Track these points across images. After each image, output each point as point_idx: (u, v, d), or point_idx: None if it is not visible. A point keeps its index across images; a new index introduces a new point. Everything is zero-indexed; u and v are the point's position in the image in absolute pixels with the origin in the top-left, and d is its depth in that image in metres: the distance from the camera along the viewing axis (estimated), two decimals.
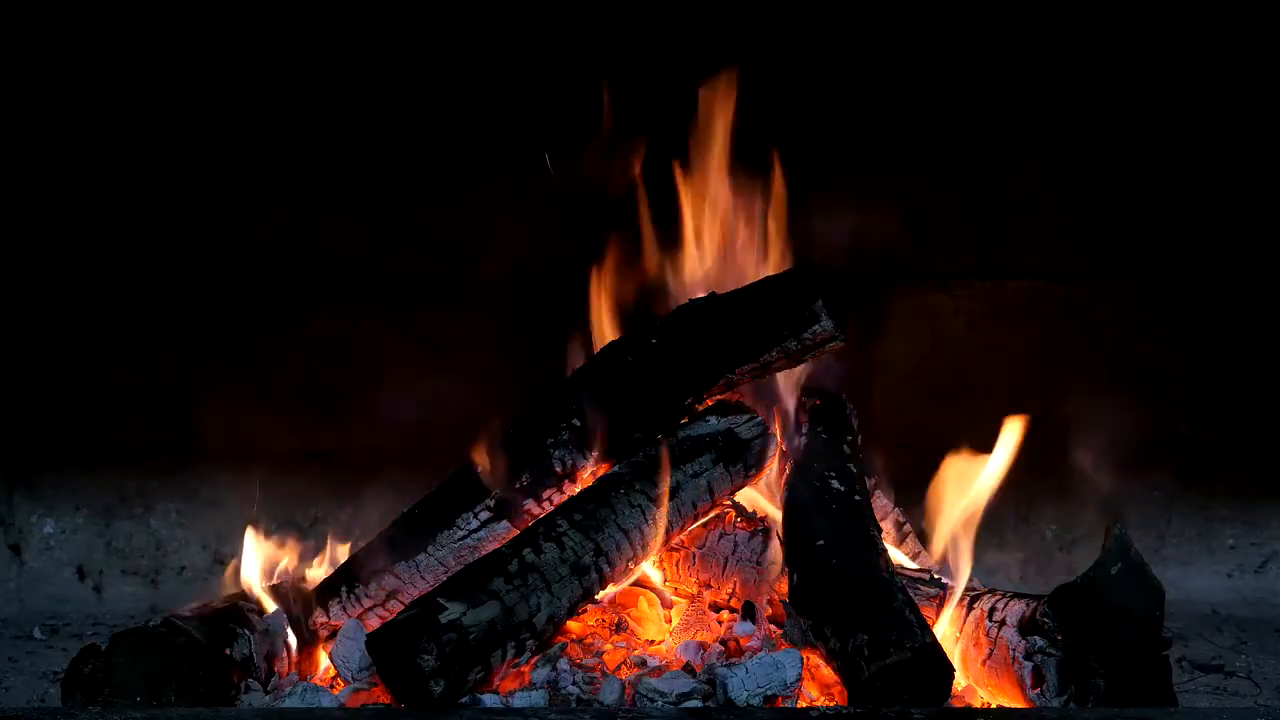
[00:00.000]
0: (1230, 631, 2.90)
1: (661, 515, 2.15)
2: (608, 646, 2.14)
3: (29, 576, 3.11)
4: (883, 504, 2.46)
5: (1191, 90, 3.04)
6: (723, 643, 2.16)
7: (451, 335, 3.10)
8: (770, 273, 2.43)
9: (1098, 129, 3.06)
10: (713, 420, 2.27)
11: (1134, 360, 3.11)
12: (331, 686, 2.11)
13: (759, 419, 2.30)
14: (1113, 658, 1.87)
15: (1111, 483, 2.88)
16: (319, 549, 2.44)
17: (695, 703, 1.92)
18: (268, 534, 2.41)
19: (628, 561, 2.12)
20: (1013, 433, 2.30)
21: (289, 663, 2.17)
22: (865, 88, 3.03)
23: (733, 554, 2.30)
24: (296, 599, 2.23)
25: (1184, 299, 3.12)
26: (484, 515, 2.23)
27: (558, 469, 2.25)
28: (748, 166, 2.56)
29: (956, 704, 2.02)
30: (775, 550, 2.26)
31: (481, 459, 2.24)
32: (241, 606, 2.15)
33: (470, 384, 3.02)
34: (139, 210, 3.06)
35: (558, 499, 2.24)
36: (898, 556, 2.35)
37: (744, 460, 2.26)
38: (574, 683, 2.00)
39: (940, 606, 2.17)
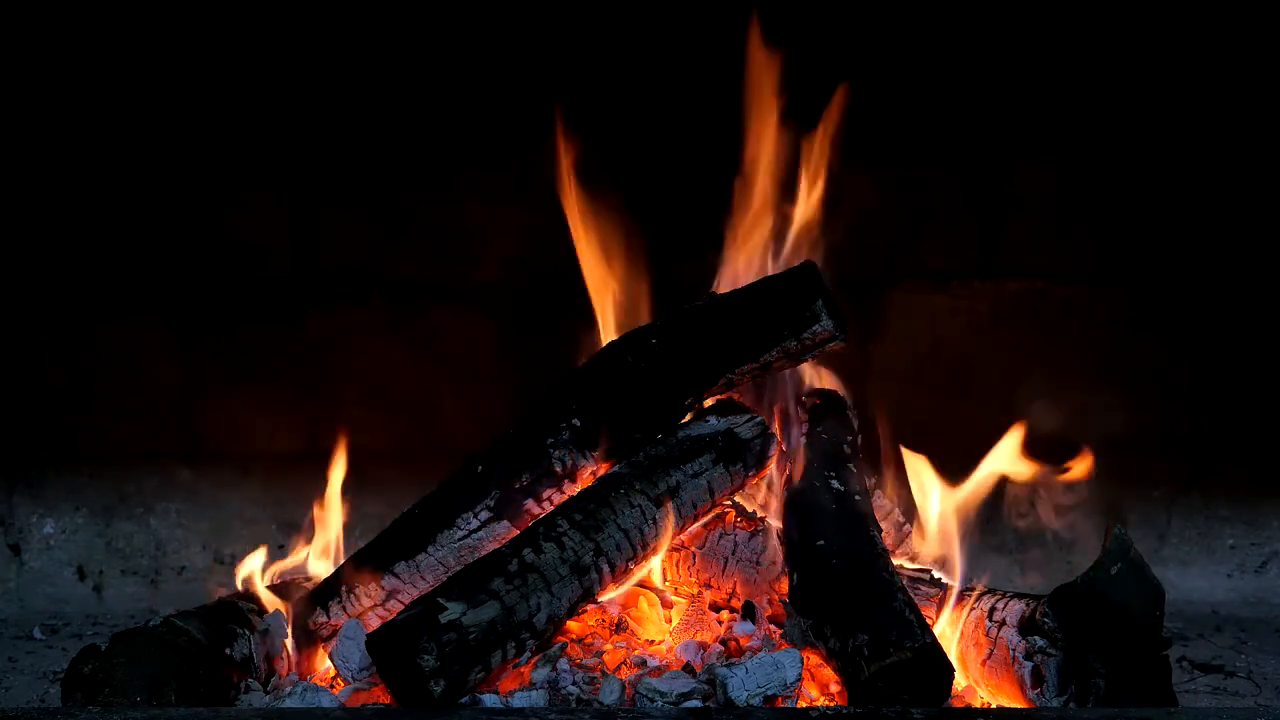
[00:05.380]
0: (1230, 631, 2.90)
1: (661, 515, 2.15)
2: (608, 646, 2.14)
3: (29, 576, 3.11)
4: (883, 504, 2.46)
5: (1191, 93, 3.04)
6: (723, 643, 2.15)
7: (451, 335, 3.11)
8: (772, 272, 2.43)
9: (1098, 130, 3.07)
10: (713, 420, 2.27)
11: (1134, 360, 3.11)
12: (331, 686, 2.11)
13: (759, 419, 2.30)
14: (1113, 658, 1.87)
15: (1111, 482, 2.88)
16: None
17: (695, 703, 1.92)
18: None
19: (628, 562, 2.12)
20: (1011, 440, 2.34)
21: (289, 663, 2.17)
22: (867, 89, 3.03)
23: (733, 554, 2.30)
24: (297, 599, 2.23)
25: (1184, 299, 3.12)
26: (484, 515, 2.23)
27: (558, 469, 2.25)
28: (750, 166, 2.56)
29: (956, 704, 2.02)
30: (775, 550, 2.26)
31: None
32: (241, 606, 2.15)
33: (470, 384, 3.03)
34: (139, 211, 3.07)
35: (558, 499, 2.24)
36: (898, 557, 2.35)
37: (744, 460, 2.26)
38: (574, 683, 2.00)
39: (940, 606, 2.17)
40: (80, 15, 2.97)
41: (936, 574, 2.28)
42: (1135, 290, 3.13)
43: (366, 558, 2.26)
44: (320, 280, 3.11)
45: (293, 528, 3.04)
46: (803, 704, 1.94)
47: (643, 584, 2.33)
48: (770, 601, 2.25)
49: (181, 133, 3.04)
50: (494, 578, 1.96)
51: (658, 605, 2.28)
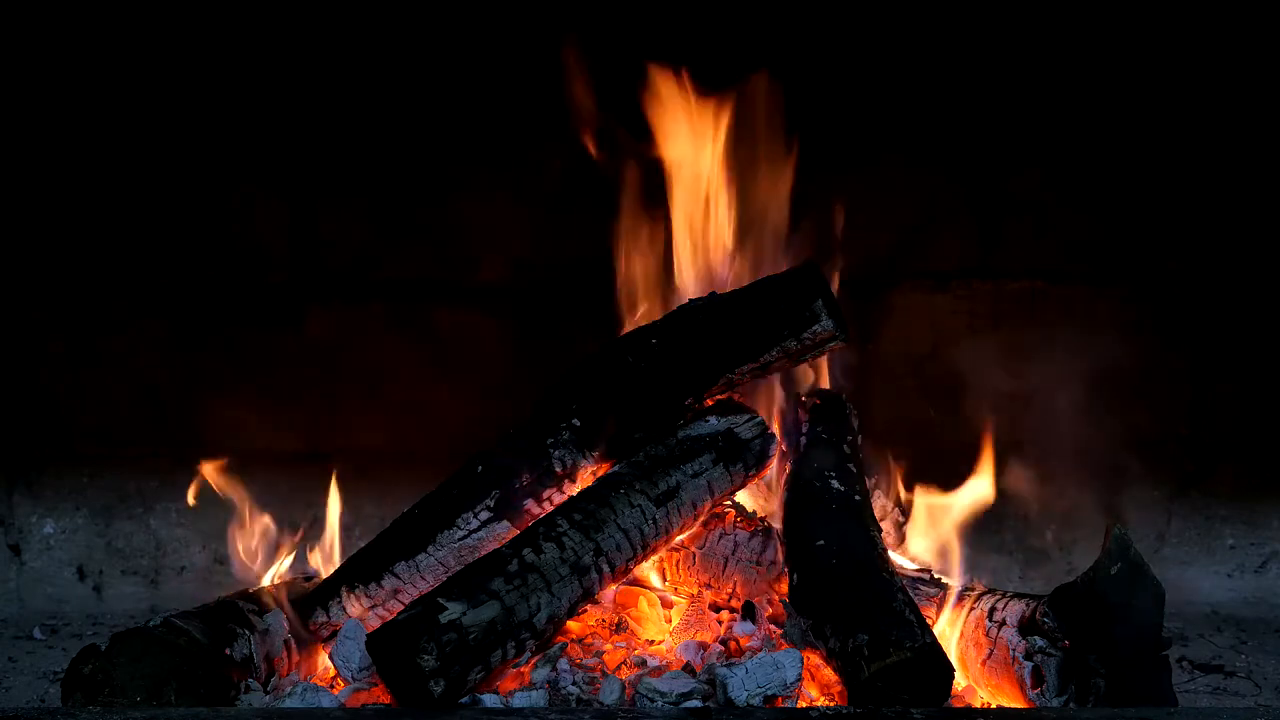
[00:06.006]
0: (1230, 631, 2.90)
1: (662, 515, 2.15)
2: (608, 646, 2.14)
3: (29, 576, 3.11)
4: (883, 504, 2.46)
5: (1189, 94, 3.04)
6: (723, 643, 2.15)
7: (451, 335, 3.11)
8: (772, 272, 2.43)
9: (1098, 132, 3.07)
10: (713, 420, 2.27)
11: (1134, 360, 3.11)
12: (331, 686, 2.11)
13: (759, 419, 2.30)
14: (1113, 658, 1.87)
15: (1111, 482, 2.89)
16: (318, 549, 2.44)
17: (695, 703, 1.92)
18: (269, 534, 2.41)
19: (628, 562, 2.12)
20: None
21: (289, 663, 2.16)
22: (868, 90, 3.03)
23: (733, 554, 2.30)
24: (297, 599, 2.23)
25: (1183, 299, 3.12)
26: (484, 515, 2.23)
27: (558, 469, 2.25)
28: (751, 167, 2.56)
29: (956, 704, 2.02)
30: (775, 550, 2.26)
31: None
32: (241, 606, 2.15)
33: (469, 384, 3.03)
34: (140, 211, 3.07)
35: (558, 499, 2.24)
36: (898, 557, 2.35)
37: (744, 460, 2.26)
38: (574, 683, 2.00)
39: (940, 606, 2.17)
40: (83, 16, 2.97)
41: (936, 574, 2.29)
42: (1135, 290, 3.13)
43: (367, 558, 2.26)
44: (320, 280, 3.11)
45: (293, 528, 3.04)
46: (803, 704, 1.94)
47: (643, 584, 2.33)
48: (770, 601, 2.25)
49: (182, 133, 3.04)
50: (494, 578, 1.96)
51: (658, 605, 2.28)
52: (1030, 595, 2.06)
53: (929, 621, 1.98)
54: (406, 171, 3.08)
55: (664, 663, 2.10)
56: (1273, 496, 3.16)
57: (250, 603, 2.18)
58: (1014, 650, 1.98)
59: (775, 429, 2.36)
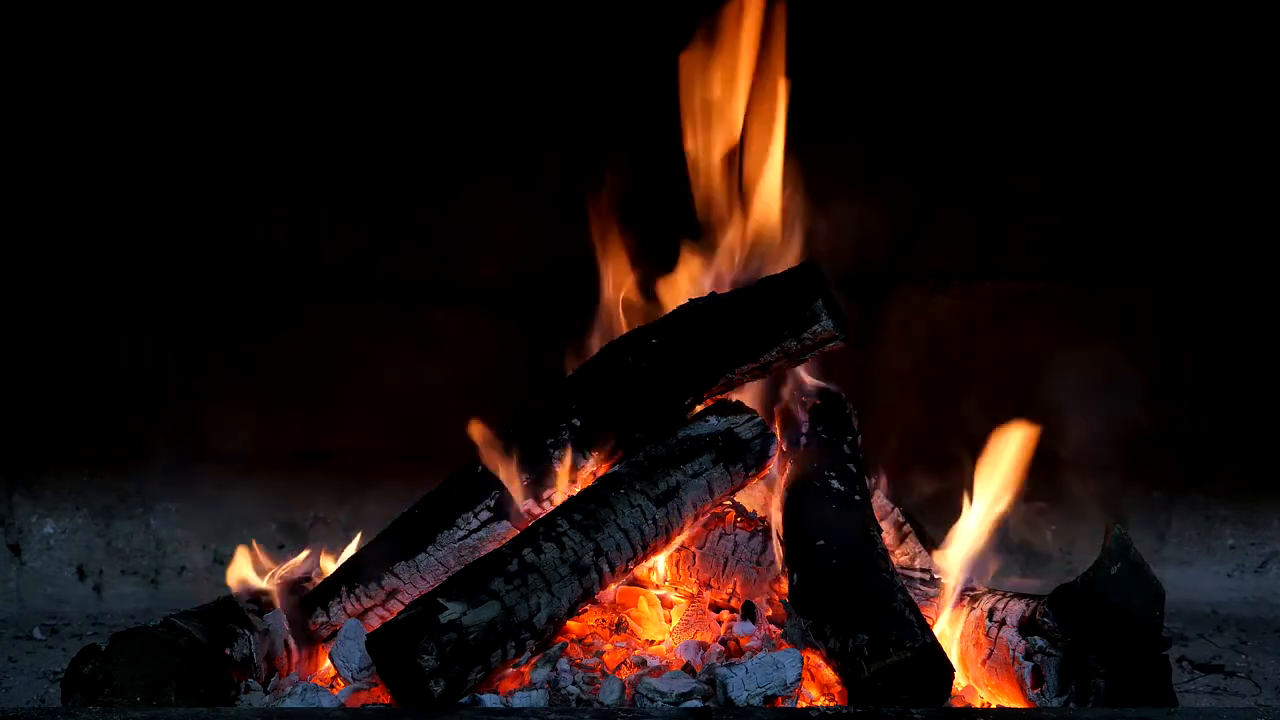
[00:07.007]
0: (1230, 631, 2.90)
1: (661, 515, 2.15)
2: (608, 646, 2.14)
3: (29, 576, 3.11)
4: (883, 504, 2.46)
5: (1189, 95, 3.05)
6: (723, 643, 2.15)
7: (451, 335, 3.11)
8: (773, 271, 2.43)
9: (1098, 131, 3.07)
10: (713, 420, 2.27)
11: (1134, 360, 3.11)
12: (331, 686, 2.11)
13: (759, 419, 2.30)
14: (1113, 658, 1.87)
15: (1111, 482, 2.89)
16: (319, 549, 2.44)
17: (695, 703, 1.92)
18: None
19: (628, 562, 2.12)
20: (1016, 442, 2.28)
21: (289, 663, 2.17)
22: (869, 90, 3.04)
23: (733, 554, 2.30)
24: (297, 599, 2.23)
25: (1183, 299, 3.12)
26: (484, 515, 2.23)
27: (558, 469, 2.25)
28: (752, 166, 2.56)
29: (956, 704, 2.02)
30: (775, 550, 2.26)
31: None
32: (242, 606, 2.15)
33: (470, 384, 3.03)
34: (140, 211, 3.07)
35: (558, 499, 2.24)
36: (898, 557, 2.35)
37: (744, 460, 2.26)
38: (574, 683, 2.00)
39: (940, 606, 2.17)
40: (85, 18, 2.98)
41: (936, 574, 2.29)
42: (1135, 290, 3.13)
43: (366, 558, 2.26)
44: (320, 280, 3.11)
45: (293, 528, 3.05)
46: (803, 704, 1.94)
47: (643, 584, 2.33)
48: (770, 601, 2.25)
49: (182, 134, 3.04)
50: (494, 578, 1.96)
51: (658, 605, 2.28)
52: (1030, 595, 2.06)
53: (929, 621, 1.98)
54: (406, 172, 3.08)
55: (664, 663, 2.10)
56: (1273, 496, 3.16)
57: (250, 603, 2.18)
58: (1014, 650, 1.98)
59: (775, 429, 2.36)
